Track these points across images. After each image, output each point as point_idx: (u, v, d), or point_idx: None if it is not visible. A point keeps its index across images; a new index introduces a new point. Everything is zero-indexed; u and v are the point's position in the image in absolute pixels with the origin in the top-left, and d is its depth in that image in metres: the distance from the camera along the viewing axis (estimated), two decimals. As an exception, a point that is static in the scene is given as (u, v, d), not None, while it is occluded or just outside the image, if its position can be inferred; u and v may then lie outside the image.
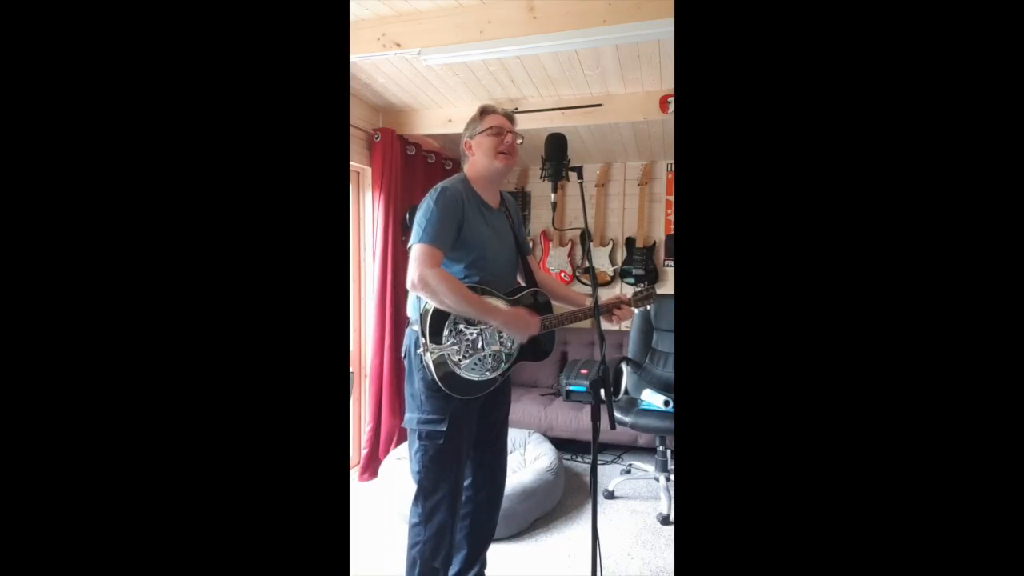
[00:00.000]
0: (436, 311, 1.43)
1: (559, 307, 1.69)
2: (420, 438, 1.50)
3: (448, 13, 2.08)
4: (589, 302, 1.67)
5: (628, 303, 1.68)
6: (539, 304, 1.65)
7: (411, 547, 1.55)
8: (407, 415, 1.55)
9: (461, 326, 1.46)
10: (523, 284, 1.68)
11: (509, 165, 1.56)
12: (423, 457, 1.51)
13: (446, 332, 1.45)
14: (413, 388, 1.53)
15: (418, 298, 1.47)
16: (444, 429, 1.48)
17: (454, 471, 1.53)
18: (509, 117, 1.60)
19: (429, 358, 1.42)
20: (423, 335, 1.44)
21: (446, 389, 1.45)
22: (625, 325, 3.36)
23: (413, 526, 1.55)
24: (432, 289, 1.39)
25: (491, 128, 1.55)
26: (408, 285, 1.42)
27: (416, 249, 1.42)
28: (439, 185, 1.51)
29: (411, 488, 2.31)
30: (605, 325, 1.52)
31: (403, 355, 1.58)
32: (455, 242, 1.47)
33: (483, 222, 1.53)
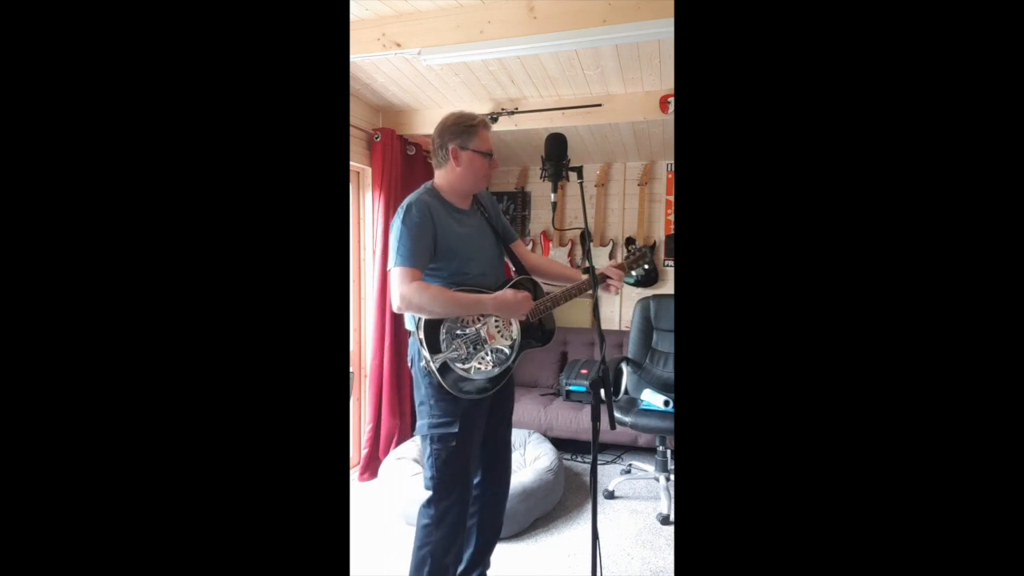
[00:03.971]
0: (428, 320, 1.44)
1: (555, 288, 1.69)
2: (433, 442, 1.51)
3: (448, 13, 2.08)
4: (584, 276, 1.69)
5: (621, 267, 1.68)
6: (533, 292, 1.64)
7: (420, 547, 1.54)
8: (418, 422, 1.55)
9: (456, 329, 1.48)
10: (514, 274, 1.68)
11: (486, 187, 1.63)
12: (436, 461, 1.51)
13: (443, 337, 1.46)
14: (421, 395, 1.53)
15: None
16: (456, 431, 1.49)
17: (466, 472, 1.54)
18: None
19: (433, 366, 1.44)
20: (423, 344, 1.45)
21: (456, 392, 1.46)
22: (625, 324, 3.35)
23: (423, 527, 1.54)
24: (416, 304, 1.41)
25: (487, 151, 1.54)
26: (394, 309, 1.44)
27: (394, 273, 1.43)
28: (405, 203, 1.49)
29: (411, 488, 2.32)
30: (604, 324, 1.53)
31: (409, 363, 1.59)
32: (433, 256, 1.47)
33: (457, 226, 1.53)
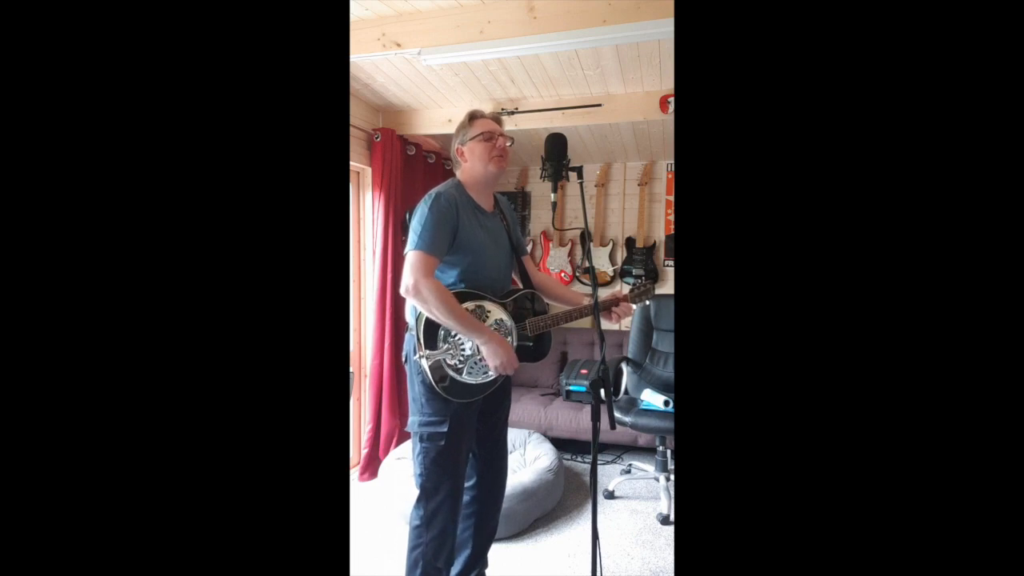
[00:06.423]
0: (429, 318, 1.46)
1: (557, 308, 1.70)
2: (422, 440, 1.52)
3: (448, 13, 2.08)
4: (587, 301, 1.69)
5: (626, 299, 1.70)
6: (534, 307, 1.66)
7: (412, 549, 1.56)
8: (410, 419, 1.57)
9: (456, 333, 1.48)
10: (519, 286, 1.69)
11: (502, 168, 1.59)
12: (425, 459, 1.52)
13: (441, 338, 1.47)
14: (414, 391, 1.55)
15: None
16: (445, 430, 1.50)
17: (455, 472, 1.55)
18: (498, 120, 1.63)
19: (425, 363, 1.45)
20: (419, 341, 1.46)
21: (444, 393, 1.47)
22: (625, 324, 3.35)
23: (414, 528, 1.56)
24: (424, 299, 1.42)
25: (482, 133, 1.56)
26: (402, 291, 1.45)
27: (411, 256, 1.44)
28: (434, 191, 1.52)
29: (411, 488, 2.32)
30: (605, 324, 1.53)
31: (403, 359, 1.60)
32: (450, 248, 1.49)
33: (478, 226, 1.55)
